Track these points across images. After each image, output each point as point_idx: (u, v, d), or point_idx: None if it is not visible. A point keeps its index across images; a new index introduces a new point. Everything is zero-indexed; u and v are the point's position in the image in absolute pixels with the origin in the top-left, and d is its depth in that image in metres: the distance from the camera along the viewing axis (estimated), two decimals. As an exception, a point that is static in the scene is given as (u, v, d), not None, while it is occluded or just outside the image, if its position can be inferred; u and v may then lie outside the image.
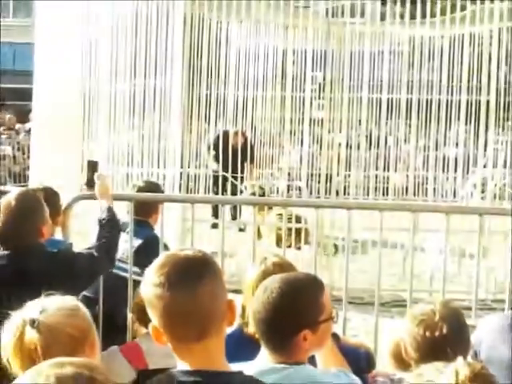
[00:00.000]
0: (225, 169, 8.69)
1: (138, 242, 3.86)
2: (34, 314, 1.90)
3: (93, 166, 3.82)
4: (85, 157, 7.73)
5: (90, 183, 3.69)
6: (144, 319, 2.46)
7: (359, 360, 2.80)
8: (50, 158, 7.89)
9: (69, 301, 2.02)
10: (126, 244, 3.85)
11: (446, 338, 2.26)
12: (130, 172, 7.17)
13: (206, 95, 9.26)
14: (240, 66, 10.45)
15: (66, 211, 3.84)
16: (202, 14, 7.95)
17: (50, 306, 1.94)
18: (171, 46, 6.78)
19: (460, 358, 1.56)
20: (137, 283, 3.57)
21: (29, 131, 11.73)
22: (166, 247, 3.87)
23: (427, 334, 2.27)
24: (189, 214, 5.99)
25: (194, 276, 1.72)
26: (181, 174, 7.08)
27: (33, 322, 1.87)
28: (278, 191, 10.37)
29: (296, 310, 2.15)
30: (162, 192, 4.70)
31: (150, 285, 1.73)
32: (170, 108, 6.99)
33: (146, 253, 3.70)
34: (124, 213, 4.24)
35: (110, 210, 3.46)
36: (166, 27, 6.83)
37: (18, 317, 1.91)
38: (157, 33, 6.90)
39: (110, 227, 3.35)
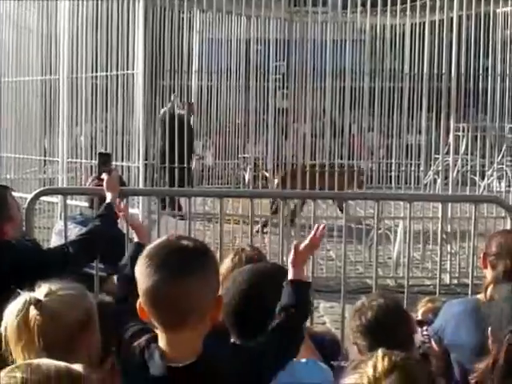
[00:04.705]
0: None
1: None
2: (39, 295, 1.92)
3: (104, 159, 3.75)
4: (46, 151, 7.65)
5: (100, 175, 3.65)
6: None
7: (325, 348, 2.82)
8: (11, 151, 7.79)
9: (77, 289, 2.03)
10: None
11: (379, 314, 2.35)
12: (94, 165, 7.09)
13: (170, 86, 9.20)
14: (203, 56, 10.41)
15: (29, 207, 3.79)
16: (164, 4, 7.88)
17: (57, 290, 1.95)
18: (133, 37, 6.72)
19: (380, 350, 1.56)
20: (102, 279, 3.55)
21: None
22: (131, 242, 3.83)
23: (363, 319, 2.38)
24: (155, 207, 5.97)
25: (180, 267, 1.74)
26: (145, 165, 7.02)
27: (36, 303, 1.89)
28: (244, 181, 10.37)
29: (266, 300, 2.18)
30: (124, 184, 4.64)
31: (140, 263, 1.78)
32: (134, 100, 6.93)
33: (109, 249, 3.68)
34: (85, 207, 4.21)
35: (108, 207, 3.40)
36: (127, 18, 6.76)
37: (24, 296, 1.92)
38: (118, 24, 6.82)
39: (100, 222, 3.32)
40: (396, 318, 2.38)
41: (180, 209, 7.73)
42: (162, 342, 1.80)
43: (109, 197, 3.46)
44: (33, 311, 1.88)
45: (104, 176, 3.58)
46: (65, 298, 1.95)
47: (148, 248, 1.83)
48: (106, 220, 3.32)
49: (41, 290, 1.94)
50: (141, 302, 1.79)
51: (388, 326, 2.33)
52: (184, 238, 1.84)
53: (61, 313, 1.91)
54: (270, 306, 2.18)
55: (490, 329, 2.25)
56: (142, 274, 1.77)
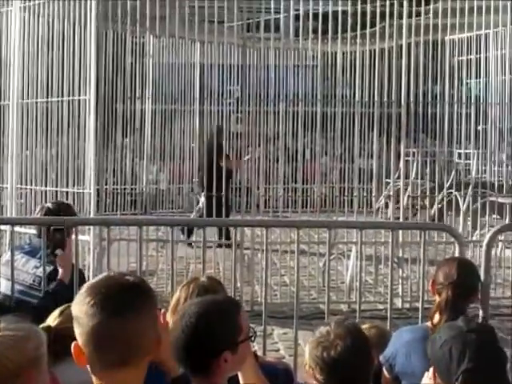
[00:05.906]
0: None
1: (49, 268, 3.73)
2: None
3: (58, 235, 3.75)
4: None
5: (53, 250, 3.72)
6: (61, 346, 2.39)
7: (277, 378, 2.81)
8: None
9: (23, 330, 1.88)
10: (37, 270, 3.72)
11: (343, 355, 2.27)
12: (45, 191, 6.99)
13: (123, 110, 9.16)
14: (157, 81, 10.40)
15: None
16: (116, 29, 7.86)
17: None
18: (85, 62, 6.67)
19: None
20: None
21: None
22: (80, 273, 3.77)
23: (325, 354, 2.28)
24: (106, 234, 5.90)
25: (125, 303, 1.70)
26: (97, 191, 6.95)
27: None
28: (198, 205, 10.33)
29: (215, 334, 2.14)
30: (75, 213, 4.57)
31: (81, 302, 1.71)
32: (86, 125, 6.87)
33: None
34: (34, 234, 4.14)
35: (59, 283, 3.52)
36: (79, 43, 6.72)
37: None
38: (70, 49, 6.77)
39: (51, 300, 3.33)
40: (358, 361, 2.30)
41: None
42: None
43: (60, 273, 3.59)
44: None
45: (58, 252, 3.68)
46: (4, 339, 1.82)
47: (87, 285, 1.77)
48: (55, 298, 3.35)
49: None
50: (81, 344, 1.71)
51: (348, 368, 2.25)
52: (125, 274, 1.80)
53: None
54: (220, 339, 2.15)
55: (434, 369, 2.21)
56: (82, 312, 1.70)
